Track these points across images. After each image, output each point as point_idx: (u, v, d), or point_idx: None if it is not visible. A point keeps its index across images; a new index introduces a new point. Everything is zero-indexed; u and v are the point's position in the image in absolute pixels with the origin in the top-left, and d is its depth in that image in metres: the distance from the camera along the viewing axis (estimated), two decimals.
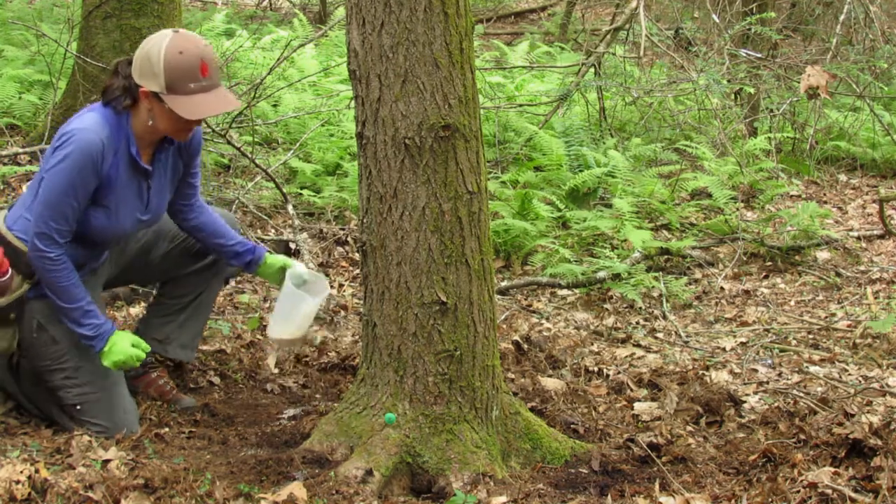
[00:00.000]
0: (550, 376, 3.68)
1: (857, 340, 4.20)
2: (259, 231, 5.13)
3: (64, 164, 2.78)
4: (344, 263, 5.04)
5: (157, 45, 2.78)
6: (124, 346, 2.91)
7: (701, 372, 3.81)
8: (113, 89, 2.88)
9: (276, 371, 3.63)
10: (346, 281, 4.80)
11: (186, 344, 3.37)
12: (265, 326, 3.97)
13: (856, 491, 2.58)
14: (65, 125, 2.86)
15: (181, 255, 3.29)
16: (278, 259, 3.23)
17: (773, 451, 2.87)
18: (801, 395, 3.50)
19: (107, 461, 2.72)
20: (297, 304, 3.10)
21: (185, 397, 3.34)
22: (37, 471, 2.56)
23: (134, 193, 2.96)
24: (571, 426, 3.21)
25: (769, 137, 6.72)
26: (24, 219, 2.91)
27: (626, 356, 4.05)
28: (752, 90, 6.93)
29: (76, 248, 2.93)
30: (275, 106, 6.89)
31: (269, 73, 5.81)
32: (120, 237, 3.03)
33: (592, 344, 4.19)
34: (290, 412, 3.30)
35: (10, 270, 2.86)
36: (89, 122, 2.84)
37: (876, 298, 4.85)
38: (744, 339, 4.30)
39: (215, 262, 3.32)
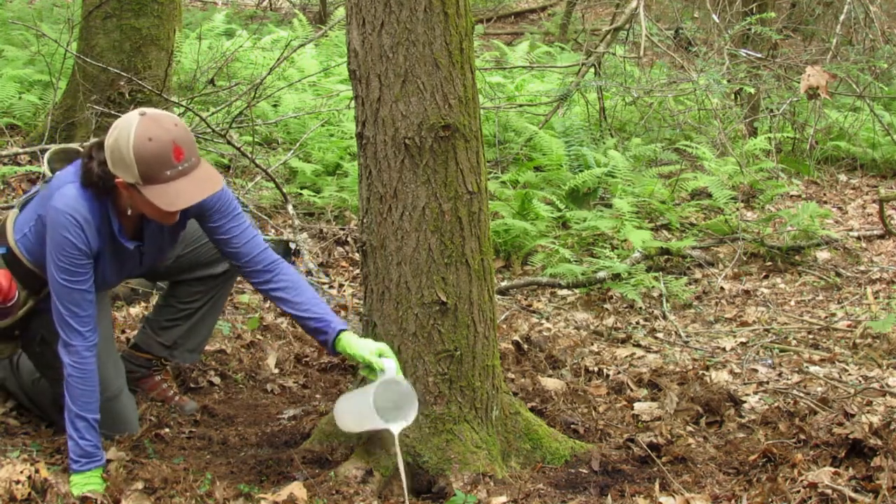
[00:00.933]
0: (550, 376, 3.68)
1: (857, 340, 4.20)
2: (259, 231, 5.13)
3: (55, 249, 2.65)
4: (344, 263, 5.04)
5: (126, 134, 2.56)
6: (94, 486, 2.66)
7: (701, 372, 3.81)
8: (91, 174, 2.67)
9: (276, 371, 3.63)
10: (346, 281, 4.80)
11: (194, 349, 3.34)
12: (266, 326, 3.97)
13: (856, 491, 2.58)
14: (53, 189, 2.71)
15: (194, 260, 3.22)
16: (362, 354, 2.71)
17: (773, 451, 2.87)
18: (801, 395, 3.50)
19: (107, 461, 2.73)
20: (365, 418, 2.64)
21: (188, 401, 3.32)
22: (37, 471, 2.56)
23: (124, 262, 2.87)
24: (571, 426, 3.21)
25: (769, 137, 6.72)
26: (29, 239, 2.82)
27: (626, 356, 4.05)
28: (752, 90, 6.93)
29: None
30: (275, 106, 6.89)
31: (269, 73, 5.81)
32: (110, 286, 2.97)
33: (592, 344, 4.19)
34: (290, 412, 3.30)
35: (17, 295, 2.81)
36: (68, 199, 2.66)
37: (876, 298, 4.85)
38: (744, 339, 4.30)
39: (227, 270, 3.24)
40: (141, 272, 3.03)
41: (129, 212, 2.72)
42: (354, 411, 2.71)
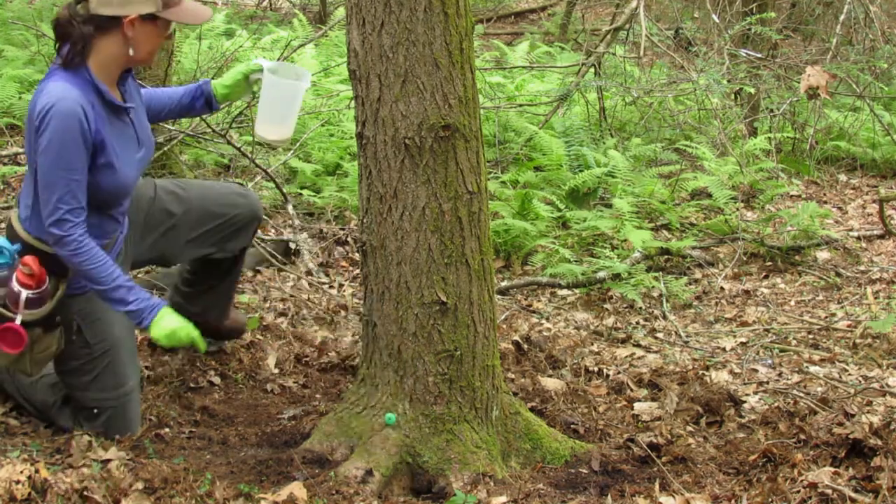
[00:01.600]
0: (550, 376, 3.68)
1: (857, 340, 4.20)
2: (259, 231, 5.13)
3: (53, 144, 2.69)
4: (344, 263, 5.04)
5: None
6: (172, 322, 2.82)
7: (701, 372, 3.81)
8: (72, 45, 2.75)
9: (276, 371, 3.63)
10: (346, 281, 4.80)
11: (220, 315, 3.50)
12: (266, 326, 3.97)
13: (856, 491, 2.58)
14: (33, 103, 2.75)
15: (202, 240, 3.29)
16: (231, 73, 3.18)
17: (773, 451, 2.87)
18: (801, 395, 3.50)
19: (107, 461, 2.73)
20: (282, 92, 2.96)
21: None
22: (37, 471, 2.56)
23: (123, 135, 2.88)
24: (571, 426, 3.21)
25: (769, 137, 6.72)
26: (33, 219, 2.85)
27: (626, 356, 4.05)
28: (752, 90, 6.93)
29: (92, 219, 2.85)
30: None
31: None
32: (128, 188, 2.95)
33: (592, 344, 4.19)
34: (290, 412, 3.30)
35: (47, 280, 2.82)
36: (55, 92, 2.72)
37: (876, 298, 4.85)
38: (744, 339, 4.30)
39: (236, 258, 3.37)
40: (141, 159, 2.98)
41: (130, 54, 2.81)
42: (268, 107, 3.00)
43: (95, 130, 2.76)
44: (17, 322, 2.77)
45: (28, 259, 2.79)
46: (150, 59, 2.90)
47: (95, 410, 2.97)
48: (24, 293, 2.76)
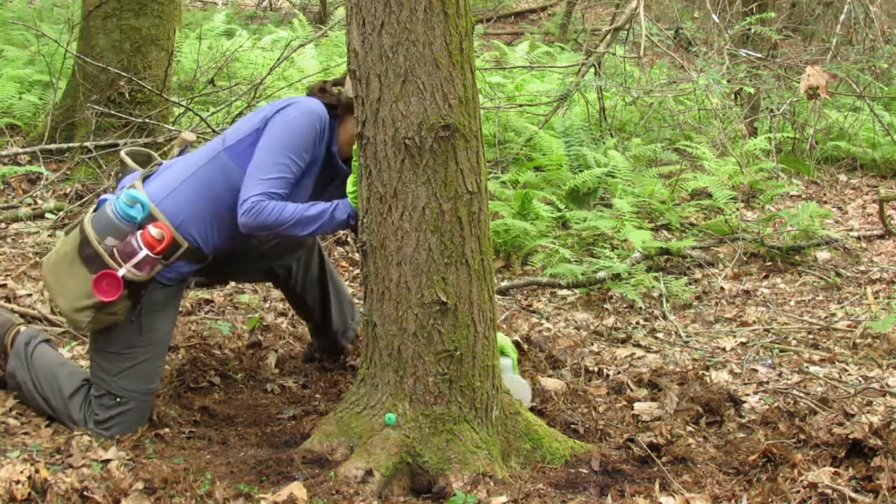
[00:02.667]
0: (550, 376, 3.68)
1: (857, 340, 4.20)
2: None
3: (293, 122, 2.90)
4: (344, 263, 5.04)
5: None
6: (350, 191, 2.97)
7: (701, 372, 3.81)
8: (328, 93, 3.03)
9: (276, 371, 3.63)
10: (346, 281, 4.80)
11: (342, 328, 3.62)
12: (266, 326, 3.97)
13: (856, 491, 2.58)
14: (278, 102, 3.00)
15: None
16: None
17: (773, 451, 2.87)
18: (801, 395, 3.50)
19: (107, 461, 2.73)
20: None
21: None
22: (37, 471, 2.56)
23: (323, 179, 3.09)
24: (571, 426, 3.21)
25: (769, 137, 6.72)
26: (172, 201, 2.95)
27: (626, 356, 4.05)
28: (752, 90, 6.93)
29: (220, 232, 3.01)
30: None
31: (269, 73, 5.82)
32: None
33: (592, 344, 4.19)
34: (290, 412, 3.30)
35: (161, 251, 2.91)
36: (314, 102, 2.99)
37: (876, 298, 4.85)
38: (744, 339, 4.30)
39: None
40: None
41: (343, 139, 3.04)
42: None
43: (315, 152, 2.99)
44: (120, 274, 2.85)
45: (162, 224, 2.90)
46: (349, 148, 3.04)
47: (119, 399, 3.00)
48: (144, 252, 2.87)
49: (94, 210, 2.95)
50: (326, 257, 3.57)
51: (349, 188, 2.93)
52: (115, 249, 2.86)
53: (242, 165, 2.94)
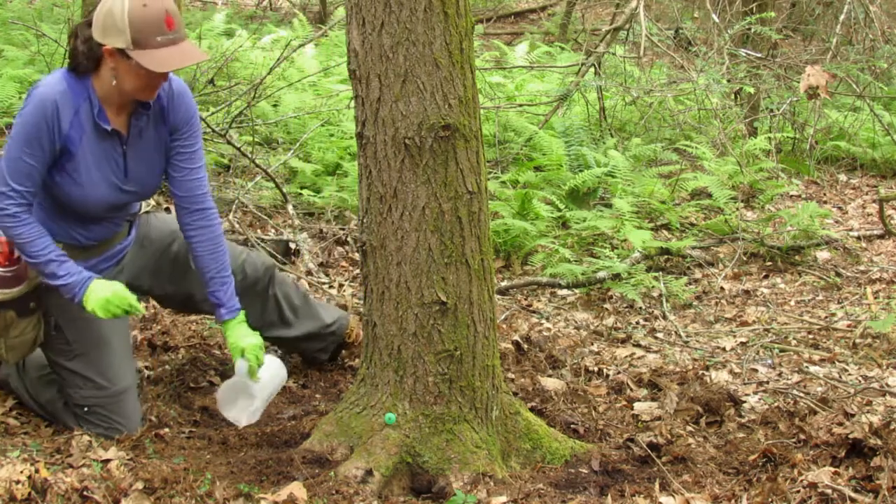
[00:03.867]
0: (550, 376, 3.68)
1: (857, 340, 4.20)
2: (259, 231, 5.13)
3: (20, 120, 2.76)
4: (344, 263, 5.04)
5: (120, 0, 2.69)
6: (104, 292, 2.81)
7: (701, 372, 3.81)
8: (75, 52, 2.81)
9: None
10: (346, 281, 4.80)
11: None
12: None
13: (856, 491, 2.58)
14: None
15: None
16: (239, 337, 2.99)
17: (773, 451, 2.87)
18: (801, 395, 3.50)
19: (107, 461, 2.73)
20: (238, 394, 2.98)
21: None
22: (37, 471, 2.56)
23: (104, 158, 2.86)
24: (571, 426, 3.21)
25: (769, 137, 6.72)
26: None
27: (626, 356, 4.05)
28: (752, 90, 6.93)
29: (67, 223, 2.89)
30: (275, 106, 6.89)
31: (269, 73, 5.81)
32: (102, 206, 2.92)
33: (592, 344, 4.19)
34: (290, 412, 3.30)
35: (18, 260, 2.83)
36: (48, 80, 2.80)
37: (876, 298, 4.85)
38: (744, 339, 4.30)
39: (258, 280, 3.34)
40: (129, 188, 2.94)
41: (113, 83, 2.78)
42: (226, 397, 3.01)
43: (66, 135, 2.78)
44: None
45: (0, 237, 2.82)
46: (142, 94, 2.80)
47: (85, 409, 2.98)
48: None
49: None
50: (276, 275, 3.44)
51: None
52: None
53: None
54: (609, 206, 5.78)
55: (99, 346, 2.99)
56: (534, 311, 4.64)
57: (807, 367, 3.92)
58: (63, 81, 2.80)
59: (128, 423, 3.02)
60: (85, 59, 2.79)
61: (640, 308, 4.68)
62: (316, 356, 3.61)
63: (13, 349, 2.91)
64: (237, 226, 5.04)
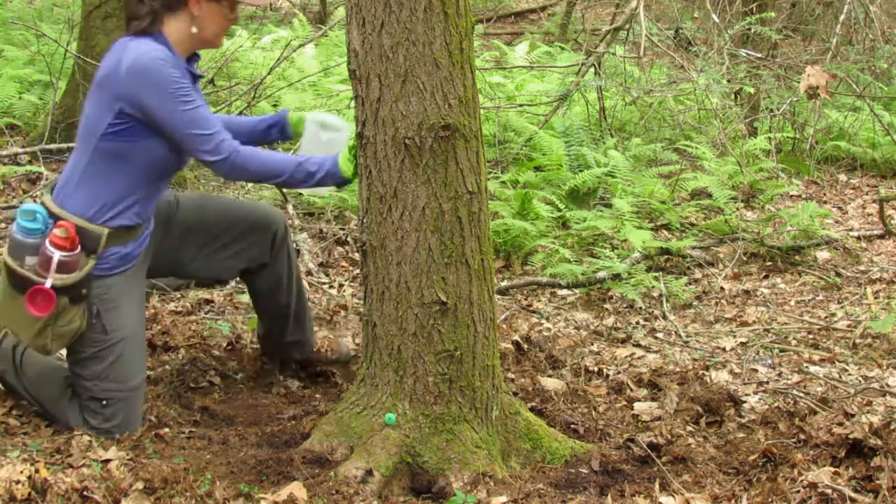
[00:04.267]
0: (550, 376, 3.68)
1: (857, 340, 4.20)
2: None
3: (164, 88, 2.80)
4: (344, 263, 5.04)
5: None
6: (346, 159, 2.95)
7: (701, 372, 3.81)
8: (141, 18, 2.87)
9: (281, 378, 3.62)
10: (346, 281, 4.80)
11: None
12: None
13: (856, 491, 2.58)
14: (111, 66, 2.83)
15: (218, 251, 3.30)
16: (300, 114, 3.31)
17: (773, 451, 2.87)
18: (801, 395, 3.50)
19: (107, 461, 2.73)
20: (319, 142, 3.18)
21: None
22: (37, 471, 2.56)
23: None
24: (571, 426, 3.21)
25: (769, 137, 6.72)
26: (71, 192, 2.92)
27: (626, 356, 4.05)
28: (752, 90, 6.93)
29: (136, 195, 2.95)
30: (275, 106, 6.89)
31: (269, 73, 5.82)
32: (186, 162, 3.07)
33: (592, 344, 4.19)
34: (290, 412, 3.30)
35: (79, 246, 2.87)
36: (145, 47, 2.82)
37: (876, 298, 4.85)
38: (744, 339, 4.30)
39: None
40: None
41: (193, 31, 2.91)
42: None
43: (184, 71, 2.91)
44: (48, 285, 2.82)
45: (63, 222, 2.86)
46: (217, 41, 2.98)
47: (104, 402, 2.98)
48: (57, 255, 2.82)
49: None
50: (297, 264, 3.51)
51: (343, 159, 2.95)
52: (36, 266, 2.84)
53: (129, 140, 2.89)
54: (609, 206, 5.79)
55: (132, 337, 3.02)
56: (534, 311, 4.64)
57: (807, 367, 3.93)
58: (154, 43, 2.86)
59: (137, 419, 3.04)
60: (150, 21, 2.86)
61: (640, 308, 4.68)
62: (280, 344, 3.56)
63: (59, 338, 2.92)
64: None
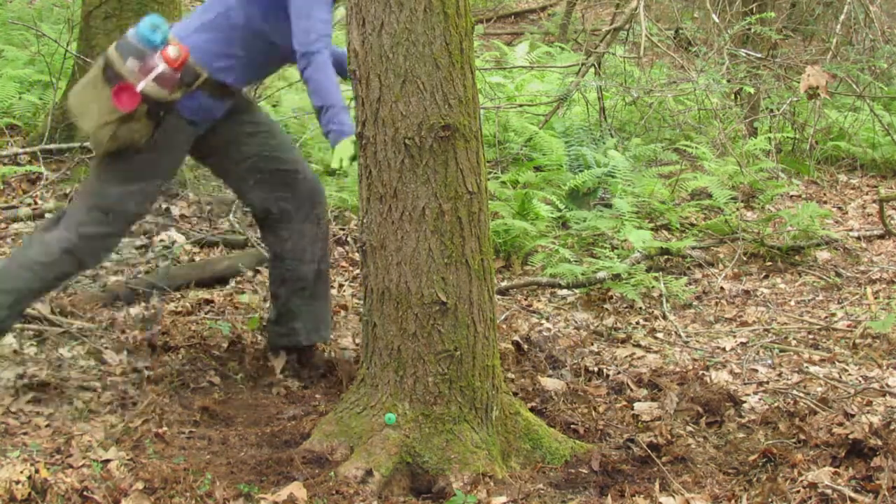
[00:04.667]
0: (550, 376, 3.68)
1: (857, 340, 4.20)
2: (259, 230, 5.12)
3: None
4: (344, 263, 5.04)
5: None
6: (346, 151, 3.05)
7: (701, 372, 3.81)
8: None
9: (281, 377, 3.62)
10: (346, 281, 4.80)
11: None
12: (265, 326, 3.96)
13: (856, 491, 2.58)
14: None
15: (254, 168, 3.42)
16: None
17: (773, 451, 2.87)
18: (801, 395, 3.50)
19: (107, 461, 2.73)
20: None
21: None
22: (37, 471, 2.56)
23: None
24: (571, 426, 3.21)
25: (769, 137, 6.72)
26: (192, 39, 3.14)
27: (626, 356, 4.05)
28: (752, 90, 6.93)
29: (268, 67, 3.36)
30: (274, 106, 6.89)
31: None
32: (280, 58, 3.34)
33: (592, 344, 4.19)
34: (290, 412, 3.30)
35: (181, 72, 3.07)
36: None
37: (876, 298, 4.85)
38: (744, 339, 4.30)
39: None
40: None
41: None
42: None
43: None
44: (139, 88, 3.02)
45: (180, 45, 3.08)
46: None
47: (109, 216, 3.17)
48: (161, 66, 3.04)
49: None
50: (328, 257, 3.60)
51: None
52: (136, 68, 3.03)
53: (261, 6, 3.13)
54: (609, 206, 5.78)
55: (164, 175, 3.28)
56: (534, 311, 4.64)
57: (807, 367, 3.93)
58: None
59: (110, 249, 3.34)
60: None
61: (640, 308, 4.68)
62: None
63: (114, 140, 3.07)
64: (237, 226, 5.05)
